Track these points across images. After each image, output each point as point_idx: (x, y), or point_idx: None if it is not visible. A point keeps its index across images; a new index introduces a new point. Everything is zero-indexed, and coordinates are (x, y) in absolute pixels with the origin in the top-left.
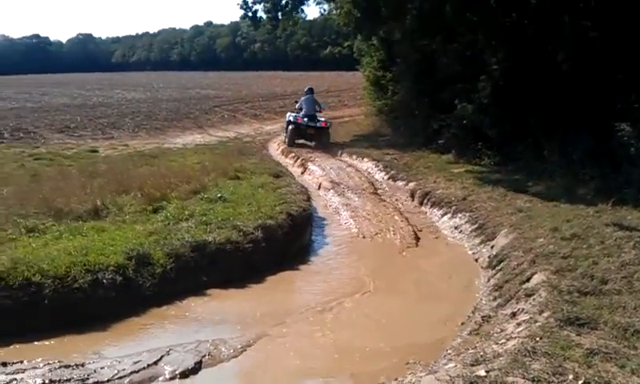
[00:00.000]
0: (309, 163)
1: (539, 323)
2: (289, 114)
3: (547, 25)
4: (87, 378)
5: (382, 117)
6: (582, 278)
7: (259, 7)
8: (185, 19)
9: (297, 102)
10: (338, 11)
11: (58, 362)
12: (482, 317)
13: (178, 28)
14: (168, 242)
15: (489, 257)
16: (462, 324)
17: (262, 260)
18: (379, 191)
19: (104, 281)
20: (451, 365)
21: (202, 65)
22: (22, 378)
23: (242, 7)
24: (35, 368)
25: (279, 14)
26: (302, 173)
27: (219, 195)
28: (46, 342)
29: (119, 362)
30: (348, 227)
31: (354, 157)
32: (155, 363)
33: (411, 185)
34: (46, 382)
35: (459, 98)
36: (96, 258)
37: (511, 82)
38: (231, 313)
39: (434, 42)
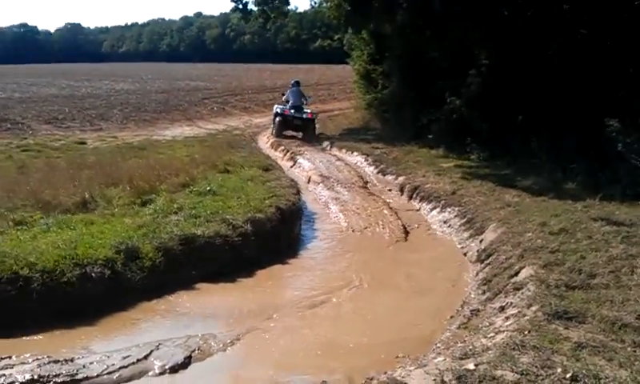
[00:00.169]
0: (298, 157)
1: (527, 317)
2: (276, 106)
3: (537, 18)
4: (76, 374)
5: (372, 111)
6: (570, 272)
7: (250, 0)
8: (174, 10)
9: (284, 94)
10: (329, 4)
11: (47, 357)
12: (471, 311)
13: (167, 18)
14: (157, 235)
15: (477, 251)
16: (451, 318)
17: (252, 254)
18: (369, 185)
19: (93, 274)
20: (440, 358)
21: (191, 56)
22: (10, 374)
23: (232, 0)
24: (24, 363)
25: (269, 6)
26: (292, 166)
27: (208, 188)
28: (35, 337)
29: (108, 357)
30: (337, 221)
31: (344, 150)
32: (145, 358)
33: (400, 179)
34: (35, 377)
35: (449, 93)
36: (85, 251)
37: (500, 77)
38: (220, 307)
39: (424, 37)
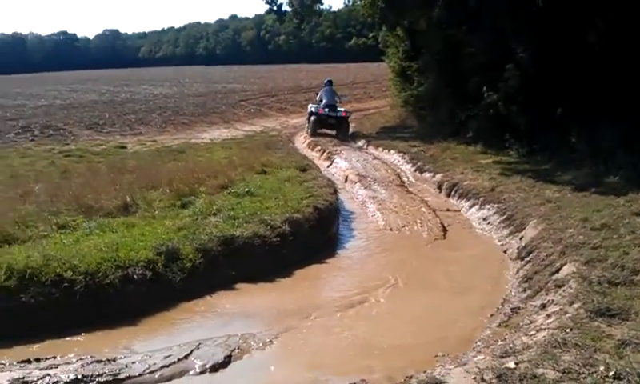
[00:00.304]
0: (335, 156)
1: (569, 314)
2: (310, 105)
3: (574, 6)
4: (119, 373)
5: (408, 108)
6: (613, 269)
7: (284, 1)
8: (209, 13)
9: (317, 94)
10: (362, 2)
11: (90, 357)
12: (512, 308)
13: (202, 22)
14: (197, 236)
15: (518, 248)
16: (491, 316)
17: (290, 254)
18: (406, 183)
19: (134, 276)
20: (480, 357)
21: (227, 58)
22: (55, 374)
23: (267, 2)
24: (68, 363)
25: (302, 6)
26: (329, 166)
27: (246, 189)
28: (78, 338)
29: (150, 357)
30: (375, 220)
31: (380, 149)
32: (185, 357)
33: (438, 176)
34: (79, 377)
35: (486, 88)
36: (126, 253)
37: (539, 69)
38: (259, 307)
39: (460, 32)
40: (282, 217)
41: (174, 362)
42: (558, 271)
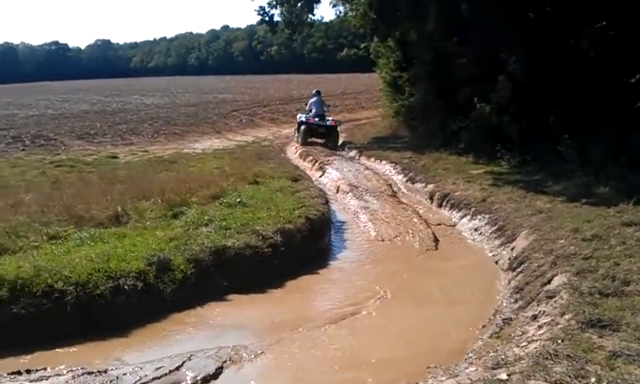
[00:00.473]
0: (327, 166)
1: (561, 325)
2: (299, 115)
3: (565, 18)
4: None
5: (400, 118)
6: (604, 280)
7: (276, 12)
8: (201, 23)
9: (306, 104)
10: (354, 13)
11: (81, 368)
12: (503, 319)
13: (194, 32)
14: (188, 247)
15: (509, 259)
16: (483, 327)
17: (281, 264)
18: (398, 194)
19: (125, 287)
20: (472, 368)
21: (219, 69)
22: None
23: (259, 13)
24: (59, 375)
25: (293, 17)
26: (320, 176)
27: (238, 200)
28: (69, 349)
29: (141, 368)
30: (366, 230)
31: (372, 159)
32: (177, 369)
33: (430, 187)
34: None
35: (477, 99)
36: (117, 264)
37: (531, 79)
38: (251, 318)
39: (451, 43)
40: (274, 227)
41: (166, 374)
42: (549, 282)
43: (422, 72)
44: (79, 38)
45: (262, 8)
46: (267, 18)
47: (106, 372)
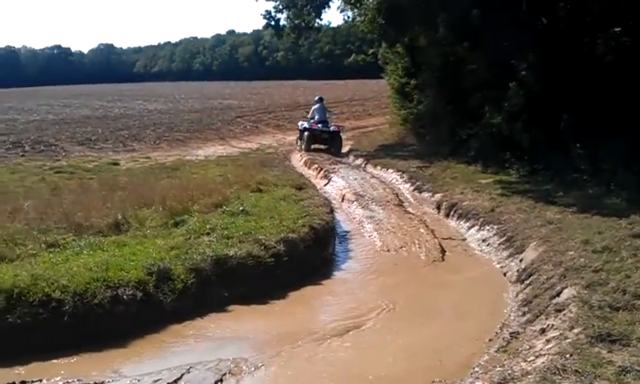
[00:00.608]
0: (332, 174)
1: (569, 340)
2: (301, 122)
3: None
4: None
5: (408, 126)
6: (614, 293)
7: (282, 16)
8: (207, 28)
9: (307, 112)
10: (362, 18)
11: (78, 380)
12: (511, 333)
13: (199, 37)
14: (189, 256)
15: (517, 271)
16: (490, 341)
17: (285, 275)
18: (404, 203)
19: (124, 297)
20: (478, 383)
21: (224, 74)
22: None
23: (265, 17)
24: None
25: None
26: (325, 184)
27: (241, 208)
28: (66, 360)
29: (139, 381)
30: (372, 240)
31: (379, 167)
32: (175, 382)
33: (437, 196)
34: None
35: (488, 106)
36: (116, 273)
37: (543, 86)
38: (252, 330)
39: (461, 49)
40: (277, 237)
41: None
42: (558, 295)
43: (430, 78)
44: (82, 42)
45: (269, 12)
46: (273, 22)
47: None
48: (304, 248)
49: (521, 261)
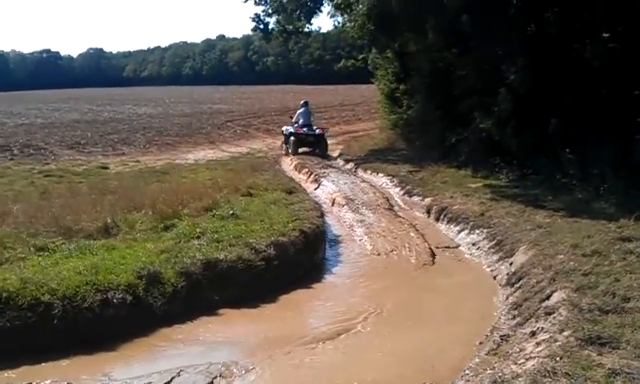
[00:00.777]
0: (322, 179)
1: (559, 343)
2: (285, 127)
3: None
4: None
5: (397, 131)
6: (604, 296)
7: (271, 20)
8: (197, 33)
9: (291, 117)
10: (352, 24)
11: (67, 383)
12: (501, 336)
13: (189, 42)
14: (179, 260)
15: (507, 274)
16: (480, 344)
17: (275, 278)
18: (394, 207)
19: (114, 300)
20: None
21: (214, 79)
22: None
23: (254, 20)
24: None
25: (291, 27)
26: (316, 188)
27: (231, 212)
28: (56, 363)
29: None
30: (362, 244)
31: (369, 172)
32: None
33: (427, 200)
34: None
35: (478, 111)
36: (106, 277)
37: (532, 91)
38: (242, 334)
39: (450, 54)
40: (267, 240)
41: None
42: (548, 298)
43: (420, 84)
44: (71, 46)
45: (257, 15)
46: (262, 26)
47: None
48: (294, 252)
49: (511, 264)
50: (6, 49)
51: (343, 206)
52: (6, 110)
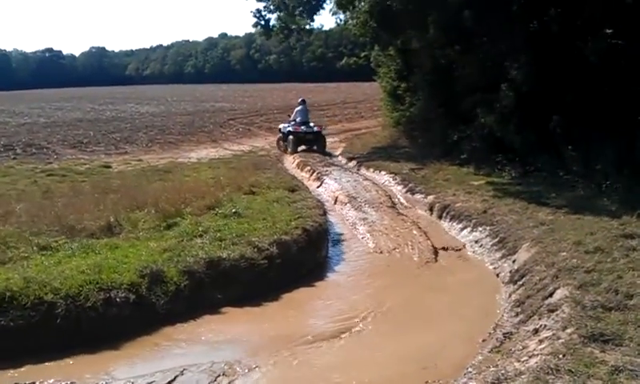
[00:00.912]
0: (325, 177)
1: (562, 340)
2: (282, 125)
3: (570, 27)
4: None
5: (400, 128)
6: (607, 293)
7: (272, 17)
8: (199, 31)
9: (289, 115)
10: (354, 21)
11: (71, 382)
12: (504, 334)
13: (191, 40)
14: (182, 258)
15: (510, 271)
16: (483, 341)
17: (277, 277)
18: (397, 205)
19: (117, 299)
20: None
21: (216, 77)
22: None
23: (255, 15)
24: None
25: (293, 25)
26: (318, 187)
27: (234, 210)
28: (59, 362)
29: (132, 383)
30: (365, 242)
31: (371, 170)
32: None
33: (430, 198)
34: None
35: (480, 108)
36: (109, 276)
37: (534, 88)
38: (245, 332)
39: (453, 51)
40: (270, 239)
41: None
42: (550, 295)
43: (422, 81)
44: (74, 45)
45: (259, 10)
46: (263, 22)
47: None
48: (297, 250)
49: (513, 262)
50: (9, 48)
51: (346, 203)
52: (9, 109)
